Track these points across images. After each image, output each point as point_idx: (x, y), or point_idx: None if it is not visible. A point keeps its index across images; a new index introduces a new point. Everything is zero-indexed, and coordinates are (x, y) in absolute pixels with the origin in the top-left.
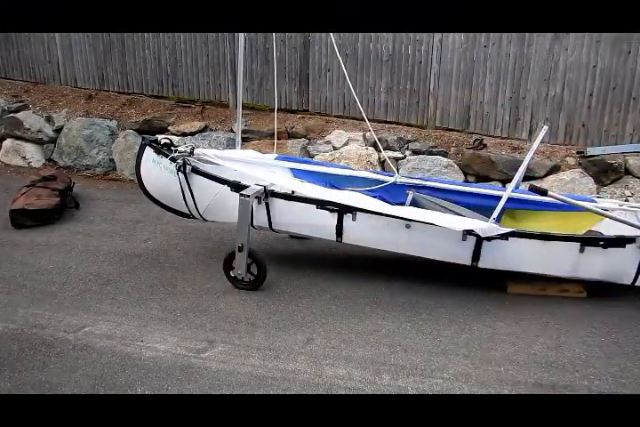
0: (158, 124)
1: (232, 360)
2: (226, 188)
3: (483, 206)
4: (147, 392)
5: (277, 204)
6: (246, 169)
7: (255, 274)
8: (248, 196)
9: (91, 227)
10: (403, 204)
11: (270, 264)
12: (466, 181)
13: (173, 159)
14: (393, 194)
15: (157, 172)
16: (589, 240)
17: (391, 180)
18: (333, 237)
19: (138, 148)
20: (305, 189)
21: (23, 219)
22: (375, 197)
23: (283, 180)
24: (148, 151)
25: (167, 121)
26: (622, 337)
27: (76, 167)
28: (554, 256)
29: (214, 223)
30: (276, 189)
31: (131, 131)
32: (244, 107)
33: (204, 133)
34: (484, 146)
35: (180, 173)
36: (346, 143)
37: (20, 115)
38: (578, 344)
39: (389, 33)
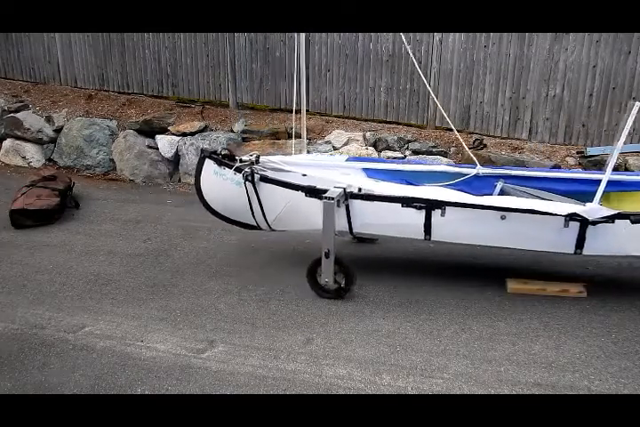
0: (158, 124)
1: (232, 360)
2: (299, 194)
3: (578, 192)
4: (147, 392)
5: (358, 205)
6: (317, 173)
7: (341, 282)
8: (332, 198)
9: (91, 227)
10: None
11: (270, 264)
12: None
13: (239, 169)
14: (475, 186)
15: (220, 184)
16: None
17: (473, 172)
18: (421, 236)
19: (197, 161)
20: (385, 189)
21: (23, 219)
22: (458, 190)
23: (359, 181)
24: (209, 163)
25: (167, 121)
26: (622, 337)
27: (76, 167)
28: None
29: (214, 223)
30: (355, 191)
31: (131, 131)
32: (243, 107)
33: (203, 133)
34: (484, 146)
35: (247, 182)
36: (346, 143)
37: (20, 115)
38: (578, 344)
39: (389, 33)
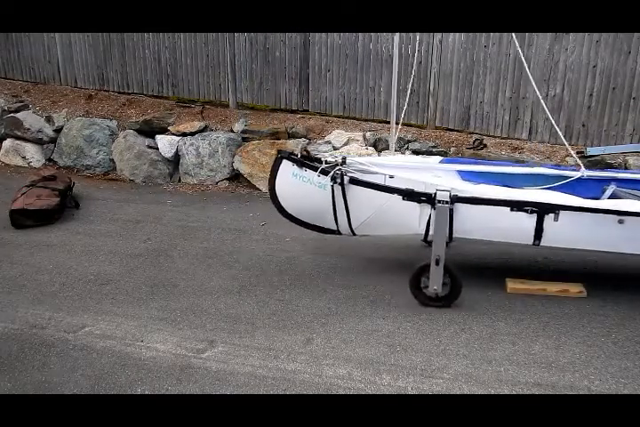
0: (158, 124)
1: (232, 360)
2: (394, 197)
3: None
4: (147, 392)
5: (463, 209)
6: (407, 175)
7: (449, 290)
8: (447, 202)
9: (91, 227)
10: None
11: (270, 264)
12: None
13: (325, 171)
14: (579, 190)
15: (299, 187)
16: None
17: (577, 174)
18: (530, 242)
19: (272, 162)
20: (486, 192)
21: (23, 219)
22: (563, 194)
23: (455, 183)
24: (286, 165)
25: (167, 121)
26: (622, 337)
27: (76, 167)
28: None
29: (214, 224)
30: (460, 194)
31: (131, 131)
32: (243, 107)
33: (203, 133)
34: (484, 146)
35: (335, 185)
36: (346, 143)
37: (20, 115)
38: (578, 344)
39: (389, 33)
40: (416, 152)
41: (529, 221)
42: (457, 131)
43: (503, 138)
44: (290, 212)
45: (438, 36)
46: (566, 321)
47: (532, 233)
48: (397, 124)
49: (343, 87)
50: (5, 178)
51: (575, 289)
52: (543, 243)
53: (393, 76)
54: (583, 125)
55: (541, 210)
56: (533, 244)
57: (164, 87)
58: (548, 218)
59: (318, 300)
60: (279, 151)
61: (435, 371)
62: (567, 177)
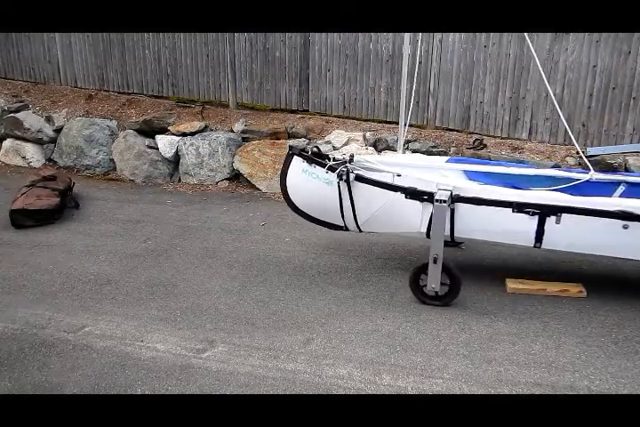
0: (158, 124)
1: (232, 360)
2: (398, 195)
3: None
4: (147, 392)
5: (464, 209)
6: (413, 174)
7: (448, 289)
8: (445, 201)
9: (91, 227)
10: None
11: (270, 264)
12: None
13: (332, 168)
14: (587, 193)
15: (308, 182)
16: None
17: (586, 177)
18: (531, 244)
19: (285, 158)
20: (491, 193)
21: (23, 219)
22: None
23: (461, 183)
24: (297, 161)
25: (167, 121)
26: (622, 337)
27: (76, 167)
28: None
29: (214, 224)
30: (462, 194)
31: (131, 131)
32: (243, 107)
33: (203, 133)
34: (484, 146)
35: (341, 182)
36: (346, 143)
37: (20, 115)
38: (578, 344)
39: (389, 33)
40: (416, 152)
41: (530, 223)
42: (457, 131)
43: (503, 138)
44: (300, 207)
45: (438, 35)
46: (566, 321)
47: (533, 235)
48: (406, 124)
49: (343, 87)
50: (5, 178)
51: (575, 289)
52: (544, 246)
53: (402, 77)
54: (583, 125)
55: (543, 212)
56: (534, 246)
57: (163, 87)
58: (550, 220)
59: (318, 300)
60: (290, 148)
61: (435, 371)
62: (576, 179)
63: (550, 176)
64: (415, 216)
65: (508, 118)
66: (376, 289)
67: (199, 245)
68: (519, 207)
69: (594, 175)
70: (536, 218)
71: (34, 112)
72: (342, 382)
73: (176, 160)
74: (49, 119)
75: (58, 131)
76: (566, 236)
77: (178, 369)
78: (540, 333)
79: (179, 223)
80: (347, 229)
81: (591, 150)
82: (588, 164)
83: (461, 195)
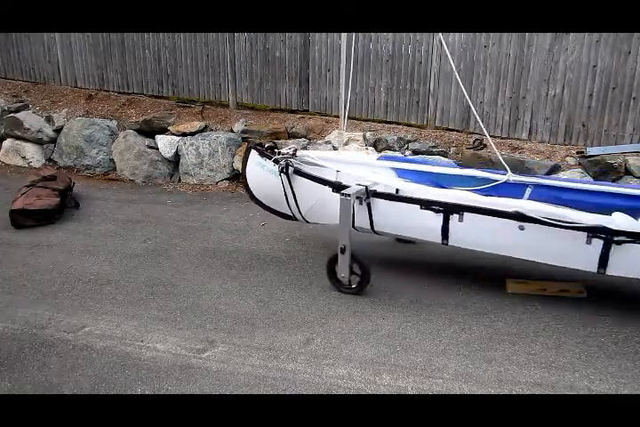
0: (158, 125)
1: (232, 360)
2: (328, 189)
3: (620, 208)
4: (147, 392)
5: (379, 204)
6: (349, 170)
7: (358, 277)
8: (349, 195)
9: (91, 227)
10: None
11: (270, 264)
12: None
13: (276, 161)
14: (504, 193)
15: (262, 174)
16: None
17: (503, 178)
18: (439, 240)
19: (244, 152)
20: (408, 189)
21: (23, 219)
22: (487, 196)
23: (386, 179)
24: (254, 154)
25: (167, 121)
26: (622, 337)
27: (76, 167)
28: None
29: (214, 224)
30: (379, 189)
31: (131, 131)
32: (243, 107)
33: (203, 133)
34: (484, 146)
35: (282, 174)
36: (346, 143)
37: (20, 115)
38: (578, 344)
39: (389, 33)
40: (416, 152)
41: (436, 220)
42: (457, 131)
43: (503, 138)
44: (257, 197)
45: (438, 35)
46: (566, 321)
47: (440, 232)
48: (345, 116)
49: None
50: (5, 178)
51: (575, 289)
52: (450, 243)
53: (341, 67)
54: (583, 125)
55: (447, 210)
56: (442, 243)
57: (164, 87)
58: (453, 218)
59: (318, 300)
60: (249, 142)
61: (435, 371)
62: (493, 180)
63: (473, 176)
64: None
65: (507, 118)
66: (376, 289)
67: (199, 245)
68: (426, 204)
69: (511, 177)
70: (441, 216)
71: (34, 112)
72: (342, 382)
73: (176, 160)
74: (49, 119)
75: (58, 131)
76: (469, 234)
77: (178, 369)
78: (540, 333)
79: (179, 223)
80: (296, 219)
81: (591, 150)
82: (505, 165)
83: (377, 190)
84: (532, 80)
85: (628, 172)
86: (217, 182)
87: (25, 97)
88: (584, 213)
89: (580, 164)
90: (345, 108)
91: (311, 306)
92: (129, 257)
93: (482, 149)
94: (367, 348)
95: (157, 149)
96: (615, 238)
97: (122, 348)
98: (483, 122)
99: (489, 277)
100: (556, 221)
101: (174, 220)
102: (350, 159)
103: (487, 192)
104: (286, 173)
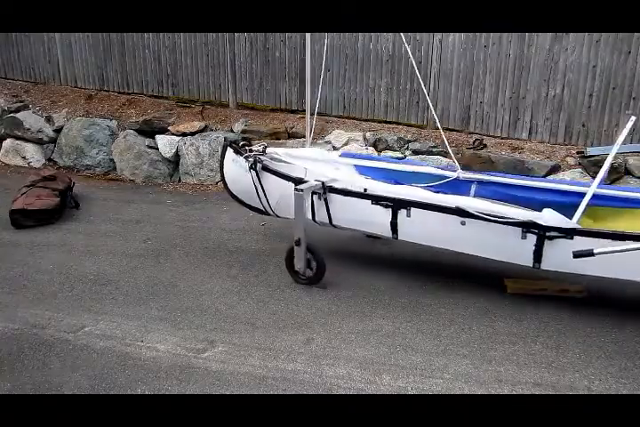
0: (158, 124)
1: (232, 360)
2: (290, 185)
3: (560, 204)
4: (147, 392)
5: (335, 199)
6: (312, 166)
7: (314, 269)
8: (302, 190)
9: (91, 227)
10: None
11: (270, 264)
12: None
13: (247, 158)
14: (457, 190)
15: (236, 171)
16: None
17: (454, 175)
18: (389, 235)
19: (220, 149)
20: (364, 185)
21: (23, 219)
22: (438, 192)
23: (345, 176)
24: (229, 152)
25: (167, 121)
26: (622, 337)
27: (76, 167)
28: (628, 259)
29: (214, 224)
30: (337, 185)
31: (131, 131)
32: (243, 107)
33: (203, 133)
34: (484, 146)
35: (252, 170)
36: (346, 143)
37: (20, 115)
38: (578, 344)
39: (389, 33)
40: (416, 152)
41: (386, 215)
42: (457, 131)
43: (503, 138)
44: (234, 193)
45: (438, 35)
46: (566, 321)
47: (389, 227)
48: (312, 114)
49: (343, 87)
50: (5, 178)
51: (575, 289)
52: (400, 237)
53: (306, 59)
54: (583, 125)
55: (395, 205)
56: (392, 237)
57: (163, 87)
58: (402, 213)
59: (318, 300)
60: (225, 138)
61: (435, 371)
62: (446, 177)
63: (428, 173)
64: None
65: (507, 118)
66: (376, 289)
67: (199, 245)
68: (376, 200)
69: (460, 174)
70: (390, 211)
71: (34, 112)
72: (342, 382)
73: (176, 160)
74: (49, 119)
75: (58, 131)
76: (416, 229)
77: (178, 369)
78: (540, 333)
79: (179, 223)
80: (268, 214)
81: (591, 150)
82: (456, 163)
83: (333, 186)
84: (531, 80)
85: (627, 172)
86: (217, 182)
87: (25, 97)
88: (517, 209)
89: (579, 164)
90: (312, 115)
91: (311, 306)
92: (129, 257)
93: (482, 149)
94: (367, 348)
95: (157, 149)
96: (547, 234)
97: (122, 348)
98: (483, 122)
99: (489, 277)
100: (491, 216)
101: (174, 220)
102: (315, 156)
103: (440, 189)
104: (255, 169)
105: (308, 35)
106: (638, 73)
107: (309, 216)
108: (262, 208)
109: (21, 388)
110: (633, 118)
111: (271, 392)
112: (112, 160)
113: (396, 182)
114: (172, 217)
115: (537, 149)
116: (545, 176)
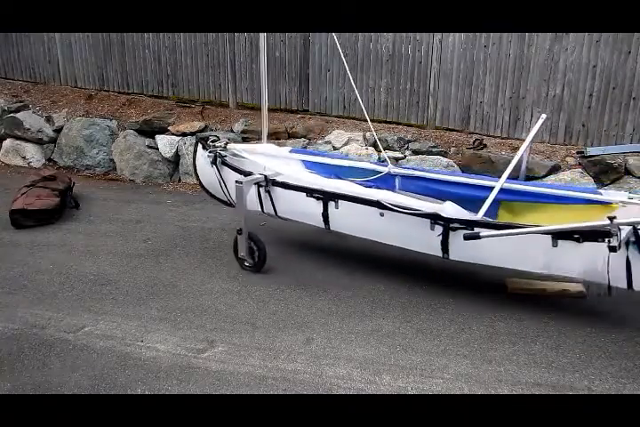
0: (158, 124)
1: (232, 360)
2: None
3: (478, 198)
4: (147, 392)
5: (277, 192)
6: (264, 161)
7: (256, 257)
8: (241, 182)
9: (91, 227)
10: None
11: (270, 264)
12: None
13: (210, 153)
14: (390, 185)
15: (204, 165)
16: (563, 233)
17: (385, 170)
18: (322, 225)
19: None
20: (303, 179)
21: (23, 219)
22: (371, 186)
23: (290, 170)
24: (200, 147)
25: (167, 121)
26: (622, 337)
27: (76, 167)
28: (525, 250)
29: (214, 224)
30: (279, 179)
31: (131, 131)
32: (243, 107)
33: (203, 133)
34: (484, 146)
35: (214, 165)
36: (346, 143)
37: (20, 115)
38: (578, 344)
39: (389, 33)
40: (416, 152)
41: (318, 207)
42: (457, 131)
43: (503, 138)
44: (206, 187)
45: (438, 36)
46: (566, 321)
47: (322, 218)
48: (266, 111)
49: (343, 87)
50: (5, 178)
51: (575, 289)
52: (331, 228)
53: (260, 57)
54: (583, 125)
55: (325, 197)
56: (325, 228)
57: (163, 87)
58: (331, 205)
59: (318, 300)
60: (196, 137)
61: (435, 371)
62: (379, 172)
63: (364, 168)
64: (254, 196)
65: (507, 118)
66: (376, 289)
67: (199, 246)
68: (309, 192)
69: (391, 169)
70: (321, 203)
71: (34, 112)
72: (342, 382)
73: (176, 160)
74: (49, 119)
75: (58, 131)
76: (345, 220)
77: (178, 369)
78: (540, 333)
79: (179, 223)
80: (233, 206)
81: (591, 150)
82: (387, 159)
83: (276, 179)
84: (531, 80)
85: (627, 172)
86: None
87: (25, 97)
88: (423, 202)
89: (580, 164)
90: (265, 115)
91: (311, 306)
92: (129, 257)
93: (482, 149)
94: (367, 348)
95: (157, 149)
96: (451, 225)
97: (122, 348)
98: (483, 122)
99: (489, 277)
100: (400, 208)
101: (174, 220)
102: (269, 152)
103: (375, 183)
104: (216, 164)
105: (262, 35)
106: (638, 73)
107: (258, 208)
108: (227, 200)
109: (21, 388)
110: (543, 116)
111: (271, 392)
112: (112, 160)
113: (337, 177)
114: (172, 217)
115: (537, 149)
116: (545, 176)
